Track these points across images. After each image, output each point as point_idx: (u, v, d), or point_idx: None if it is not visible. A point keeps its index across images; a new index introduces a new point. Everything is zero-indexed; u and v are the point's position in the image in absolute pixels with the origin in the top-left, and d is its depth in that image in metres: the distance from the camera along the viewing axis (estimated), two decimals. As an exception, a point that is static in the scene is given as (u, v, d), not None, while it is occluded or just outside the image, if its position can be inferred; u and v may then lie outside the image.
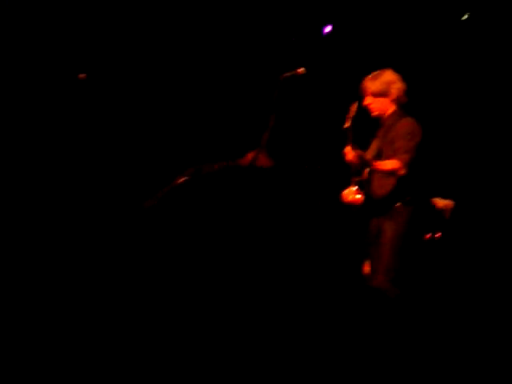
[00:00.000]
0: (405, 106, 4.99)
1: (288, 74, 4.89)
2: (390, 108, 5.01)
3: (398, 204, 4.88)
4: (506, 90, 6.14)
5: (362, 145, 5.05)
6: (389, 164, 4.86)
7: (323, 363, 4.16)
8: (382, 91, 4.97)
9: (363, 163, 4.87)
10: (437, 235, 5.17)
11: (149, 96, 6.33)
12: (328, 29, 6.45)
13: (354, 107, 4.94)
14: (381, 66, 6.01)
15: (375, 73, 5.03)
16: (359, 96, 5.00)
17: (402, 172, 4.84)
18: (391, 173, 4.86)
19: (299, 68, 4.89)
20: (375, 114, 5.04)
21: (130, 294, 4.88)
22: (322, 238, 5.16)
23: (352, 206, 4.92)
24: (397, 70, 5.45)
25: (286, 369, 4.06)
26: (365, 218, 5.00)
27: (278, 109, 4.79)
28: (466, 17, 6.21)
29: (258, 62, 6.39)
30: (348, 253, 5.17)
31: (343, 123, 4.90)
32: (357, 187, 4.90)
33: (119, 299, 4.82)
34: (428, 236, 5.16)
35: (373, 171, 4.92)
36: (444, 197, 5.20)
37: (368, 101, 5.01)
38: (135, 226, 5.23)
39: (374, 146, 5.10)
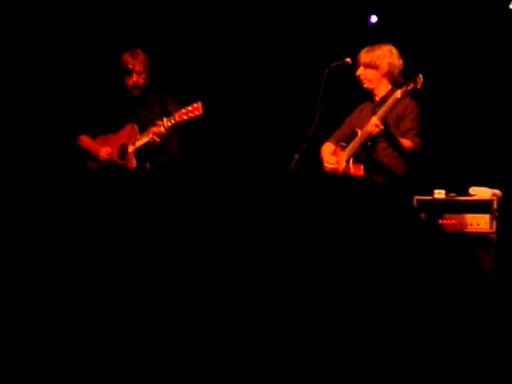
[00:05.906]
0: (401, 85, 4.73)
1: (335, 64, 4.93)
2: (383, 83, 4.97)
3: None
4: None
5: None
6: (408, 143, 4.77)
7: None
8: (371, 63, 4.95)
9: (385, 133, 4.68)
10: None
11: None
12: (374, 19, 6.45)
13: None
14: (424, 55, 6.04)
15: (372, 45, 5.00)
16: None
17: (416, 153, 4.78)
18: (409, 152, 4.78)
19: (346, 58, 4.93)
20: (365, 85, 5.02)
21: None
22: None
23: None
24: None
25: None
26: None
27: (324, 98, 4.82)
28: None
29: (305, 51, 6.39)
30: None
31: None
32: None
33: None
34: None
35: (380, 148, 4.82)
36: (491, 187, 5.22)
37: (360, 71, 5.00)
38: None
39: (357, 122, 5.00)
